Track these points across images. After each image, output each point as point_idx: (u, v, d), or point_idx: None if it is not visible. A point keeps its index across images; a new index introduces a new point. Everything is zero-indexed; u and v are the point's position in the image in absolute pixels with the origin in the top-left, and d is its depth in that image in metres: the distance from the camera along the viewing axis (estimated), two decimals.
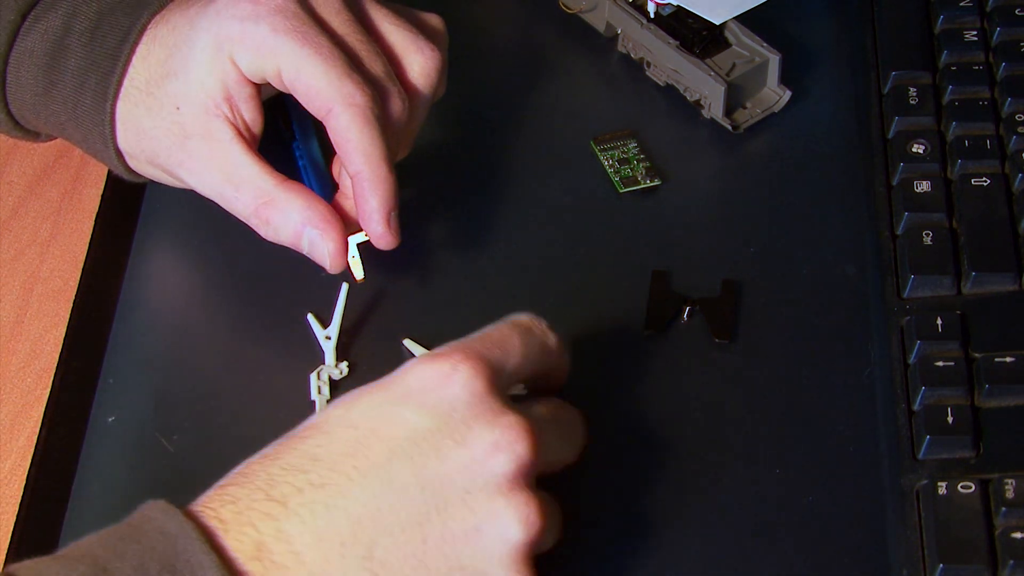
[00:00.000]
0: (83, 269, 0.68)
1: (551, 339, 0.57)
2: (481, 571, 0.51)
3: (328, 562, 0.49)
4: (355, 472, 0.50)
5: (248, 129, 0.62)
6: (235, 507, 0.50)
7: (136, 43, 0.62)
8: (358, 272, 0.63)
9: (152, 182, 0.69)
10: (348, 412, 0.52)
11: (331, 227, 0.61)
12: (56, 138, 0.68)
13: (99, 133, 0.63)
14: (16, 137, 0.68)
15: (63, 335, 0.65)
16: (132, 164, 0.65)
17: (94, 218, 0.70)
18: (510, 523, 0.51)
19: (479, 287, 0.67)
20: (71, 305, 0.66)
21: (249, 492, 0.50)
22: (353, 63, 0.60)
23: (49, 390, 0.63)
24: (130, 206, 0.71)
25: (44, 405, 0.63)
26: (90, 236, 0.69)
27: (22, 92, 0.64)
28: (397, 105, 0.62)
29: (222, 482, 0.52)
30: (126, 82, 0.62)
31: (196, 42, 0.60)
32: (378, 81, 0.61)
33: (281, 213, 0.61)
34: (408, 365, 0.53)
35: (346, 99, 0.59)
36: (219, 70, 0.60)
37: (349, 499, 0.50)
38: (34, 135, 0.68)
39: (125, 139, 0.63)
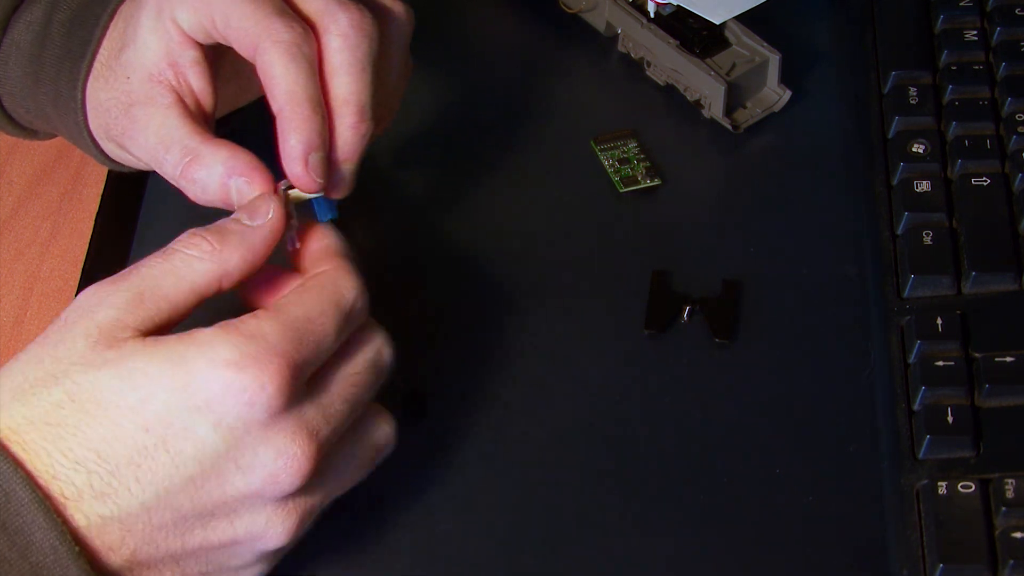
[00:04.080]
0: (83, 269, 0.68)
1: (365, 310, 0.55)
2: (230, 572, 0.54)
3: (94, 560, 0.50)
4: (135, 485, 0.50)
5: (195, 100, 0.60)
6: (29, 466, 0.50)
7: (107, 27, 0.62)
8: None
9: (150, 183, 0.69)
10: (144, 406, 0.50)
11: (257, 173, 0.57)
12: (55, 136, 0.68)
13: (74, 120, 0.63)
14: (13, 135, 0.68)
15: None
16: (103, 146, 0.64)
17: (94, 218, 0.70)
18: (266, 538, 0.53)
19: (478, 287, 0.67)
20: None
21: (34, 470, 0.49)
22: (287, 5, 0.59)
23: None
24: (130, 206, 0.71)
25: None
26: (90, 236, 0.69)
27: (12, 86, 0.64)
28: (353, 31, 0.58)
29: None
30: (96, 64, 0.62)
31: (143, 9, 0.60)
32: (319, 18, 0.59)
33: (205, 167, 0.58)
34: (217, 357, 0.50)
35: (272, 36, 0.57)
36: (162, 33, 0.59)
37: (123, 511, 0.50)
38: (32, 132, 0.68)
39: (91, 119, 0.63)
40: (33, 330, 0.66)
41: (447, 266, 0.68)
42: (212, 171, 0.57)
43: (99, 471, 0.50)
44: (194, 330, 0.51)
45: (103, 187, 0.71)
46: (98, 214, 0.70)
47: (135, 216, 0.70)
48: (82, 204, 0.70)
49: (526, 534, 0.59)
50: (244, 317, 0.52)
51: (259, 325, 0.51)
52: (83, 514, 0.49)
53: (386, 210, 0.70)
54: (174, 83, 0.59)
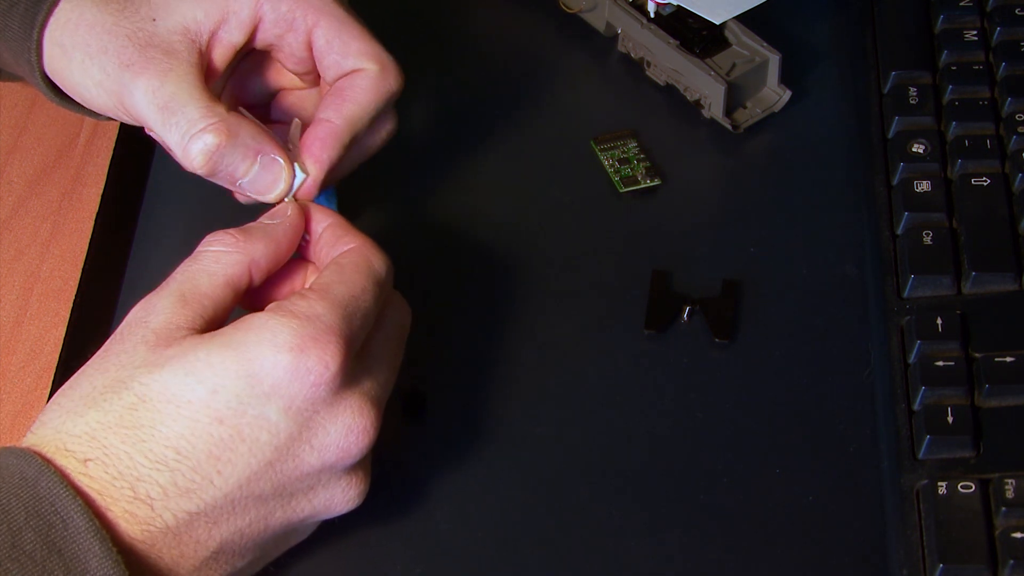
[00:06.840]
0: (83, 269, 0.68)
1: (392, 279, 0.57)
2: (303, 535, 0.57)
3: (183, 557, 0.51)
4: (218, 478, 0.51)
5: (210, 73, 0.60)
6: (97, 488, 0.50)
7: None
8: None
9: (150, 184, 0.69)
10: (214, 398, 0.50)
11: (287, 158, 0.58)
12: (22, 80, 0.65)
13: (25, 51, 0.61)
14: None
15: (63, 335, 0.65)
16: (59, 66, 0.61)
17: (94, 218, 0.70)
18: (342, 505, 0.55)
19: (478, 286, 0.67)
20: (71, 305, 0.66)
21: (112, 480, 0.50)
22: None
23: (49, 390, 0.63)
24: (130, 206, 0.71)
25: (44, 405, 0.63)
26: (90, 236, 0.69)
27: None
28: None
29: (73, 428, 0.50)
30: None
31: None
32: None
33: (244, 128, 0.57)
34: (278, 341, 0.51)
35: (386, 64, 0.60)
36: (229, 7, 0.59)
37: (208, 504, 0.51)
38: None
39: (64, 34, 0.60)
40: (33, 330, 0.66)
41: (447, 266, 0.68)
42: (252, 137, 0.58)
43: (181, 468, 0.50)
44: (247, 316, 0.52)
45: (103, 187, 0.71)
46: (98, 214, 0.70)
47: (135, 216, 0.70)
48: (82, 204, 0.71)
49: (526, 533, 0.59)
50: (293, 299, 0.52)
51: (311, 306, 0.52)
52: (171, 512, 0.50)
53: (386, 210, 0.70)
54: (203, 49, 0.59)
